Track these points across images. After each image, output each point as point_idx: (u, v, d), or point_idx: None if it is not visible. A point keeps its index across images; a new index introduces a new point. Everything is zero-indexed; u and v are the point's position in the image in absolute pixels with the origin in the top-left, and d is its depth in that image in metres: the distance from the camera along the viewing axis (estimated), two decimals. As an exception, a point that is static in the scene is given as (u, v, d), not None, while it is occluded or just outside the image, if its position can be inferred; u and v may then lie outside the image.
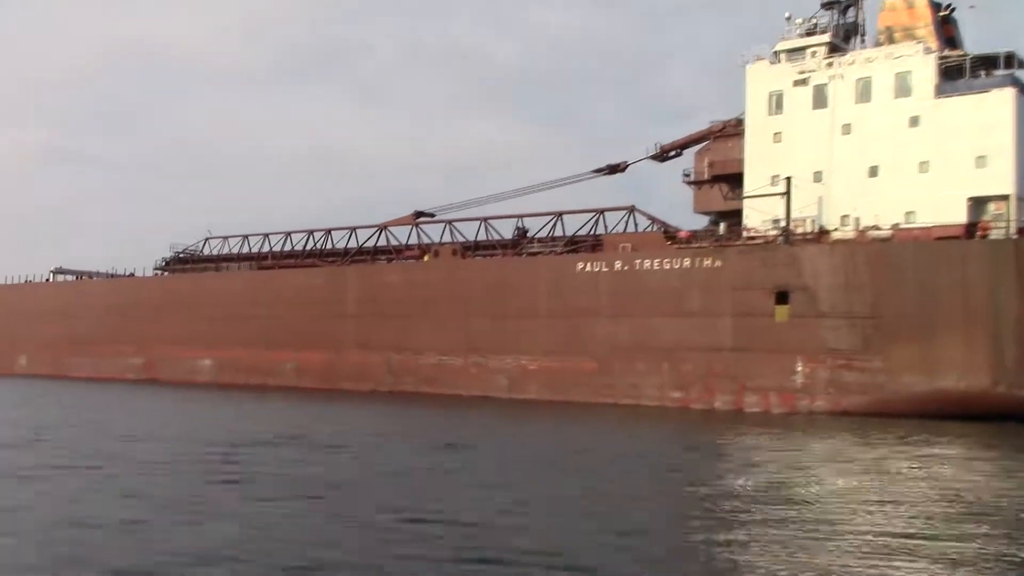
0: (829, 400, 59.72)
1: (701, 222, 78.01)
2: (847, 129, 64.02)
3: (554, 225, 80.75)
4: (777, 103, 67.16)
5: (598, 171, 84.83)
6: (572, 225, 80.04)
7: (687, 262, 66.24)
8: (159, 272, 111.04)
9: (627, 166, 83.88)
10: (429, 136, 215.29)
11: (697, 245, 67.79)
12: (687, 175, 77.47)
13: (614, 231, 77.56)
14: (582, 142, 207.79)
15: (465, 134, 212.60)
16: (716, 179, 73.78)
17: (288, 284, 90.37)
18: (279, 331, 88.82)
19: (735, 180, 72.48)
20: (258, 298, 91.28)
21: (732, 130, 75.80)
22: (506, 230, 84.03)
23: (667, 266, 67.12)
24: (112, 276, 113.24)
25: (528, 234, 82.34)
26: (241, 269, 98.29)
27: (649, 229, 76.33)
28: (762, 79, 67.80)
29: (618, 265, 69.52)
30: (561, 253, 76.73)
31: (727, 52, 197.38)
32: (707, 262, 65.31)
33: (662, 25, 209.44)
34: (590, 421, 56.24)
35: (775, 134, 67.05)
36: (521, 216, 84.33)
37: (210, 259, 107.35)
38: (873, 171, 62.56)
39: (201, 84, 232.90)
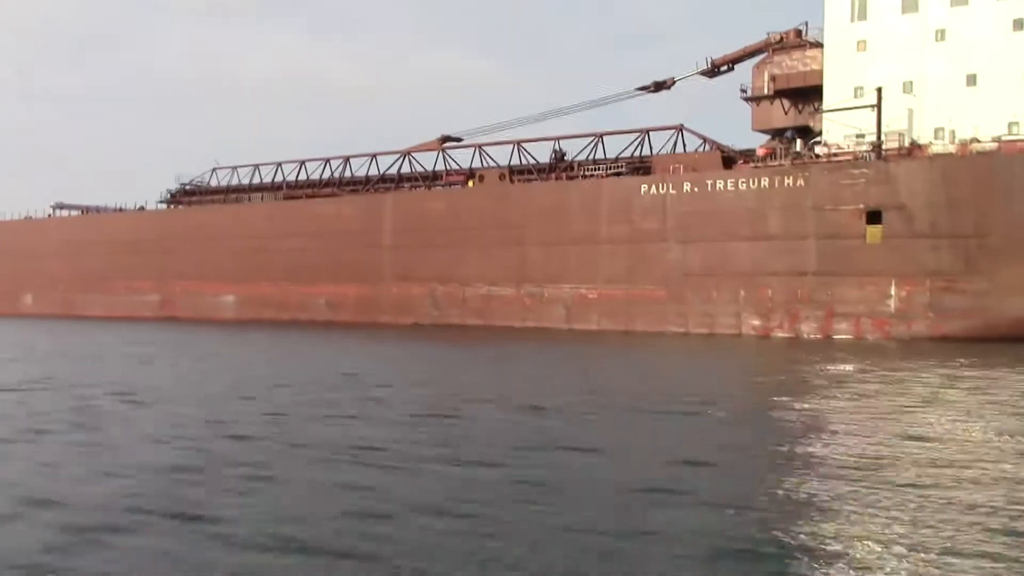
0: (928, 325, 56.26)
1: (757, 140, 73.88)
2: (941, 35, 59.52)
3: (594, 147, 76.21)
4: (860, 8, 62.39)
5: (643, 88, 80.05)
6: (613, 147, 75.76)
7: (765, 181, 62.07)
8: (165, 205, 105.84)
9: (674, 82, 79.06)
10: (397, 65, 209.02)
11: (776, 163, 63.47)
12: (744, 91, 73.00)
13: (661, 152, 73.11)
14: (552, 73, 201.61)
15: (433, 64, 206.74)
16: (779, 94, 69.31)
17: (318, 214, 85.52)
18: (310, 264, 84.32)
19: (800, 94, 68.28)
20: (286, 230, 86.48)
21: (793, 42, 71.26)
22: (541, 154, 79.67)
23: (742, 186, 62.95)
24: (120, 210, 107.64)
25: (566, 157, 77.74)
26: (265, 200, 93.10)
27: (702, 149, 71.91)
28: (843, -18, 62.88)
29: (687, 187, 65.27)
30: (607, 175, 72.20)
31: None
32: (788, 181, 61.17)
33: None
34: (677, 353, 52.36)
35: (858, 42, 62.45)
36: (558, 139, 79.66)
37: (219, 190, 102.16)
38: (971, 80, 58.24)
39: (161, 15, 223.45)
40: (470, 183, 78.20)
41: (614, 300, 68.05)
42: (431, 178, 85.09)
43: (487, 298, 74.21)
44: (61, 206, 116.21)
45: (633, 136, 75.17)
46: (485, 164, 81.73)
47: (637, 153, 74.18)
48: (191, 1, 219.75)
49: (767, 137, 72.31)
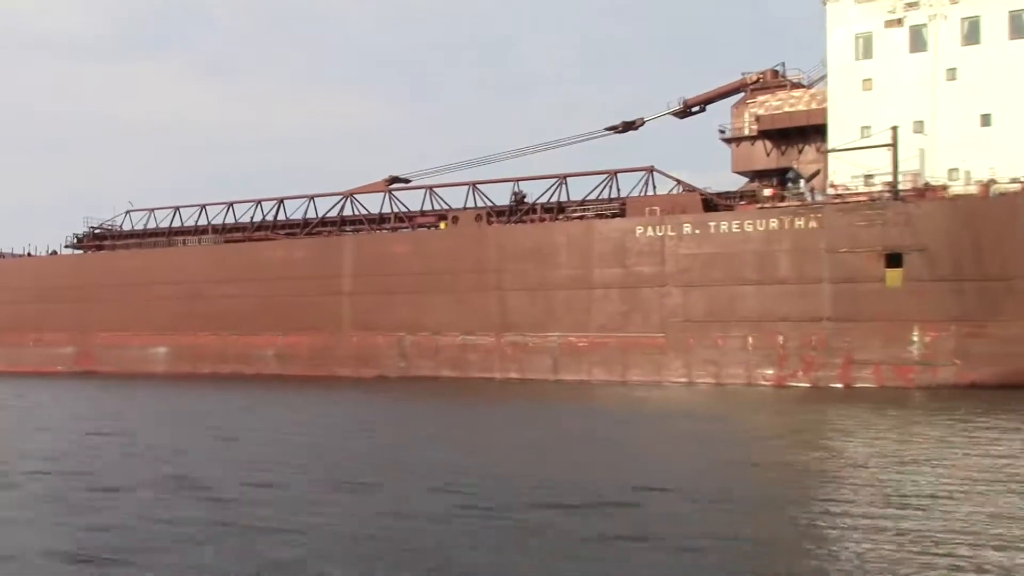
0: (954, 372, 53.78)
1: (729, 182, 71.79)
2: (952, 74, 58.08)
3: (558, 189, 72.35)
4: (866, 47, 60.65)
5: (611, 129, 77.21)
6: (578, 189, 72.20)
7: (774, 223, 59.10)
8: (71, 250, 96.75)
9: (643, 122, 76.50)
10: (286, 109, 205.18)
11: (785, 204, 60.75)
12: (722, 131, 70.71)
13: (631, 194, 69.59)
14: (435, 117, 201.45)
15: (323, 107, 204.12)
16: (763, 135, 67.16)
17: (265, 258, 78.59)
18: (255, 312, 77.23)
19: (783, 135, 66.37)
20: (227, 275, 79.20)
21: (771, 82, 69.71)
22: (497, 196, 75.49)
23: (749, 228, 59.82)
24: (29, 255, 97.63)
25: (526, 199, 73.53)
26: (195, 243, 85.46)
27: (676, 191, 68.79)
28: (846, 20, 61.16)
29: (687, 228, 61.81)
30: (576, 218, 68.34)
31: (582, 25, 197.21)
32: (799, 223, 58.33)
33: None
34: (678, 405, 48.34)
35: (864, 81, 60.55)
36: (517, 180, 75.45)
37: (135, 234, 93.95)
38: (986, 120, 56.82)
39: (34, 51, 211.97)
40: (442, 224, 72.94)
41: (607, 348, 63.69)
42: (378, 220, 79.60)
43: (463, 347, 68.79)
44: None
45: (600, 178, 71.64)
46: (436, 206, 76.97)
47: (606, 195, 70.61)
48: (70, 37, 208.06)
49: (743, 179, 70.16)
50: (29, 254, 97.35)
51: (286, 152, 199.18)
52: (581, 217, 67.33)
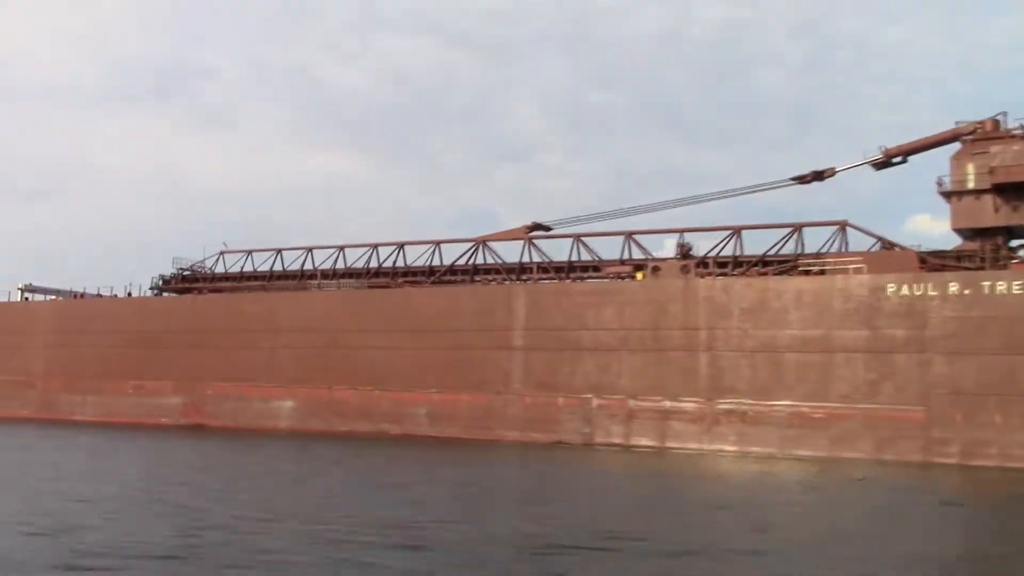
0: None
1: (933, 241, 64.52)
2: None
3: (728, 242, 65.31)
4: None
5: (799, 178, 70.52)
6: (753, 243, 65.49)
7: (1071, 285, 51.64)
8: (155, 293, 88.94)
9: (835, 172, 69.98)
10: (274, 163, 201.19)
11: (1079, 265, 53.46)
12: (940, 184, 63.85)
13: (822, 250, 62.59)
14: (423, 176, 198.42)
15: (311, 162, 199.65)
16: (996, 188, 60.24)
17: (417, 306, 70.61)
18: (405, 366, 69.02)
19: (1019, 189, 59.35)
20: (370, 324, 71.17)
21: (991, 133, 63.05)
22: (656, 248, 68.79)
23: (1032, 289, 52.33)
24: (121, 296, 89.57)
25: (691, 251, 66.33)
26: (342, 286, 77.48)
27: (875, 247, 61.57)
28: None
29: (954, 287, 54.28)
30: (813, 272, 60.78)
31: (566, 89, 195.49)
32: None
33: (507, 62, 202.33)
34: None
35: None
36: (682, 231, 68.32)
37: (231, 277, 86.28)
38: None
39: (27, 96, 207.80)
40: (639, 275, 65.28)
41: (849, 421, 55.39)
42: (519, 271, 72.24)
43: (664, 413, 60.44)
44: (31, 288, 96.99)
45: (782, 231, 64.89)
46: (582, 257, 70.00)
47: (793, 250, 63.65)
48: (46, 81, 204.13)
49: (957, 238, 63.03)
50: (130, 294, 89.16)
51: (268, 204, 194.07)
52: (812, 271, 59.61)
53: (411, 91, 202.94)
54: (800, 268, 60.61)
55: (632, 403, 61.49)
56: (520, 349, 65.89)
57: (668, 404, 60.45)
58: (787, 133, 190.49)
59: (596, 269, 69.34)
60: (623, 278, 66.06)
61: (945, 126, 65.65)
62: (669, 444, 59.68)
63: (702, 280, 61.96)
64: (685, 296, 61.28)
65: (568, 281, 68.71)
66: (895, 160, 67.90)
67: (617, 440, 61.20)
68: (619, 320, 62.76)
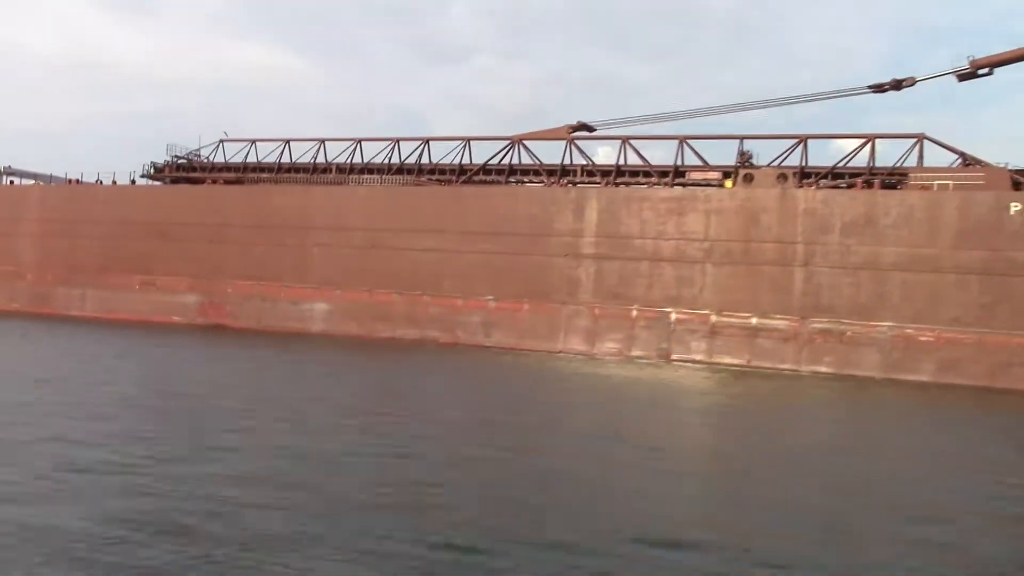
0: None
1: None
2: None
3: (792, 151, 61.48)
4: None
5: (876, 87, 66.75)
6: (818, 153, 61.82)
7: None
8: (147, 181, 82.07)
9: (915, 82, 66.31)
10: (194, 54, 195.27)
11: None
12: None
13: (899, 164, 59.32)
14: (355, 75, 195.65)
15: (233, 56, 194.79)
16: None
17: (472, 207, 65.25)
18: (458, 271, 63.98)
19: None
20: (419, 224, 65.71)
21: None
22: (711, 154, 64.58)
23: None
24: (112, 184, 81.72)
25: (751, 159, 62.35)
26: (384, 182, 71.40)
27: (957, 163, 58.26)
28: None
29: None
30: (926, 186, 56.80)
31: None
32: None
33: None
34: None
35: None
36: (742, 137, 64.09)
37: (234, 167, 79.47)
38: None
39: None
40: (727, 183, 60.89)
41: (960, 346, 52.16)
42: (561, 173, 67.41)
43: (752, 331, 56.57)
44: (10, 171, 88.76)
45: (853, 141, 61.63)
46: (628, 161, 65.52)
47: (852, 163, 60.37)
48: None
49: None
50: (133, 181, 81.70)
51: (185, 96, 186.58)
52: (925, 186, 55.85)
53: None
54: (912, 181, 56.69)
55: (715, 318, 57.49)
56: (591, 257, 61.25)
57: (756, 321, 56.58)
58: (723, 47, 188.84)
59: (647, 175, 64.60)
60: (706, 185, 61.55)
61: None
62: (756, 363, 55.93)
63: (800, 191, 57.83)
64: (781, 207, 57.13)
65: (645, 187, 63.82)
66: (981, 72, 64.53)
67: (698, 356, 57.29)
68: (704, 230, 58.45)
